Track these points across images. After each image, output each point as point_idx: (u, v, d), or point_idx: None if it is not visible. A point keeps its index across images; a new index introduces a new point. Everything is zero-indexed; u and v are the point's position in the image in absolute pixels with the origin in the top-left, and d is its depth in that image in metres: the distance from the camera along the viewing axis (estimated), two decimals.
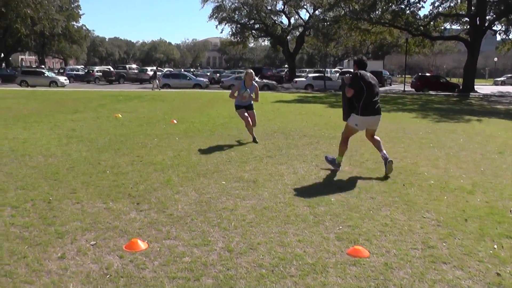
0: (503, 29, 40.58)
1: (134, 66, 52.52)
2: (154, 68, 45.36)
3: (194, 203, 5.33)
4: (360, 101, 6.83)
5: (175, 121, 12.82)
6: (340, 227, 4.67)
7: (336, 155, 7.43)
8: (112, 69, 50.64)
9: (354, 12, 38.16)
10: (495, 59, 72.74)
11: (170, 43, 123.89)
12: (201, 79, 39.15)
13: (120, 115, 14.10)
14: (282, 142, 9.69)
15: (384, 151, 7.09)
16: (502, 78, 65.34)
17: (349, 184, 6.42)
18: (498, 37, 42.19)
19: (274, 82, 38.87)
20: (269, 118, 14.16)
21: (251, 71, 10.02)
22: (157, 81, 34.27)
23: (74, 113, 14.79)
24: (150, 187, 5.97)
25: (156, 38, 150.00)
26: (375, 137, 7.29)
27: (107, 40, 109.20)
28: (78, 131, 10.73)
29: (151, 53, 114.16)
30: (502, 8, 35.50)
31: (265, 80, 38.67)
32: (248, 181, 6.39)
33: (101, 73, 44.04)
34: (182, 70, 45.87)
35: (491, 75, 79.90)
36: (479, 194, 6.00)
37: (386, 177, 6.75)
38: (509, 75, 67.79)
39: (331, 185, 6.37)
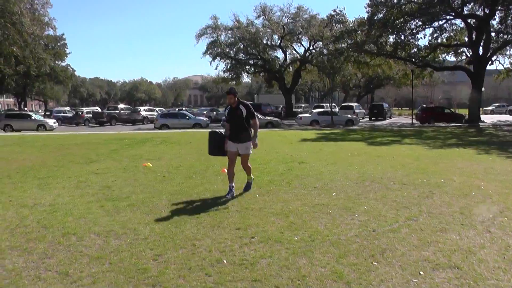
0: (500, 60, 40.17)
1: (123, 106, 49.34)
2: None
3: None
4: (249, 126, 7.55)
5: (225, 170, 10.38)
6: None
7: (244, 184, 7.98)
8: (100, 109, 47.84)
9: (357, 45, 36.75)
10: (483, 89, 72.97)
11: (151, 82, 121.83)
12: (201, 118, 36.70)
13: (150, 164, 11.61)
14: (394, 196, 7.37)
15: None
16: (490, 108, 65.47)
17: None
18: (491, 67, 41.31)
19: (277, 119, 36.75)
20: (329, 162, 11.88)
21: None
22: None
23: (90, 163, 12.22)
24: None
25: (137, 77, 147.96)
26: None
27: (88, 80, 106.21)
28: (116, 190, 8.20)
29: (133, 93, 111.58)
30: (505, 37, 34.65)
31: (268, 118, 36.52)
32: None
33: (91, 115, 41.16)
34: (177, 109, 43.38)
35: None
36: None
37: None
38: (497, 104, 68.21)
39: None
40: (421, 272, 4.11)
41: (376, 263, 4.33)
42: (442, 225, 5.65)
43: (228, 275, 4.05)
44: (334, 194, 7.63)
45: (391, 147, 16.46)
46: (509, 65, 40.03)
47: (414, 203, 6.83)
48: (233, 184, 7.59)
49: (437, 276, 4.05)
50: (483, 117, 41.74)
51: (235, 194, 7.49)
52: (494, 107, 65.98)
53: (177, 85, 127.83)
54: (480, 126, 32.51)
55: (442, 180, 8.82)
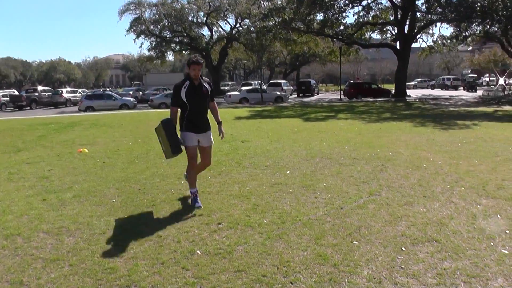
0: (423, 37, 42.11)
1: (43, 88, 45.77)
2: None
3: None
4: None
5: None
6: None
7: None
8: (17, 92, 44.43)
9: (285, 22, 36.77)
10: None
11: (70, 62, 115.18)
12: (128, 98, 35.25)
13: (86, 150, 10.88)
14: (349, 171, 7.41)
15: None
16: (413, 83, 68.94)
17: None
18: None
19: None
20: (273, 139, 11.78)
21: None
22: None
23: (18, 152, 11.22)
24: None
25: (54, 57, 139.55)
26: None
27: None
28: (55, 180, 7.53)
29: (51, 74, 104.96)
30: (430, 17, 36.13)
31: None
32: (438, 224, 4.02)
33: (7, 98, 38.07)
34: (102, 89, 41.21)
35: None
36: None
37: None
38: (419, 79, 72.28)
39: None
40: (403, 248, 4.08)
41: (356, 242, 4.24)
42: (406, 198, 5.70)
43: (207, 267, 3.77)
44: (288, 172, 7.51)
45: (328, 123, 16.69)
46: (431, 43, 42.11)
47: (371, 178, 6.86)
48: (197, 189, 5.86)
49: (419, 251, 4.03)
50: (407, 91, 43.75)
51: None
52: (416, 82, 69.94)
53: (98, 65, 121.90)
54: (407, 100, 34.00)
55: (391, 153, 9.00)
